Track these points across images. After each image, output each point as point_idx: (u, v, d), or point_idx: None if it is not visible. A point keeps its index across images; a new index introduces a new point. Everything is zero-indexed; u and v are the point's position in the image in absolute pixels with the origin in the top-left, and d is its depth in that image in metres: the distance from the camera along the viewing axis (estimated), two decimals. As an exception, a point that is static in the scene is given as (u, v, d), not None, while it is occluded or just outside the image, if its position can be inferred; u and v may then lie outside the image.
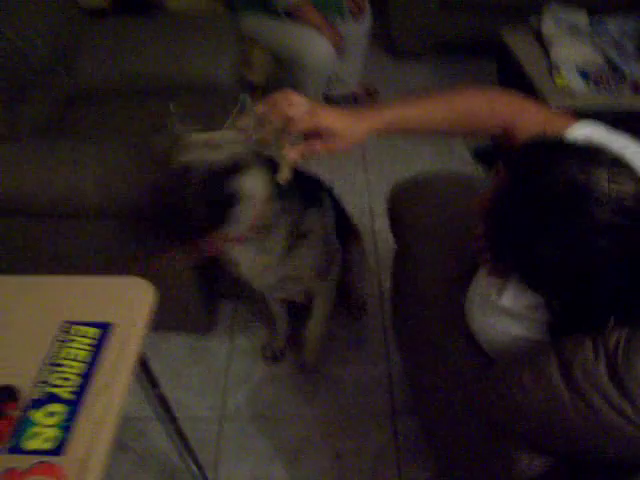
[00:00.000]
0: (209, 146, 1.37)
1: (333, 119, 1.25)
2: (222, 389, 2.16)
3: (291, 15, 2.96)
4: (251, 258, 1.68)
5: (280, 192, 1.53)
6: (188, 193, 1.34)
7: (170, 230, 1.80)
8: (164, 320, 2.20)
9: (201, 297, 2.18)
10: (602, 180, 0.92)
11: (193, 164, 1.35)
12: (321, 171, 1.96)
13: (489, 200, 1.08)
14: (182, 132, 1.42)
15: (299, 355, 2.24)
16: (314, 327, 2.09)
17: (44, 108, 2.40)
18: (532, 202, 0.98)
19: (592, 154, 0.97)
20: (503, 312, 1.17)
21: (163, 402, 1.49)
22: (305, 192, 1.73)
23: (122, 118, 2.44)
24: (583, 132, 1.16)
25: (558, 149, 1.02)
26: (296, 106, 1.26)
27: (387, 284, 2.24)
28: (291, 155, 1.29)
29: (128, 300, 1.19)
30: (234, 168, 1.36)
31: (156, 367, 1.45)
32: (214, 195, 1.35)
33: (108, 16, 3.03)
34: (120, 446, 1.98)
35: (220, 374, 2.21)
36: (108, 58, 2.66)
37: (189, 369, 2.22)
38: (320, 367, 2.21)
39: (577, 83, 2.62)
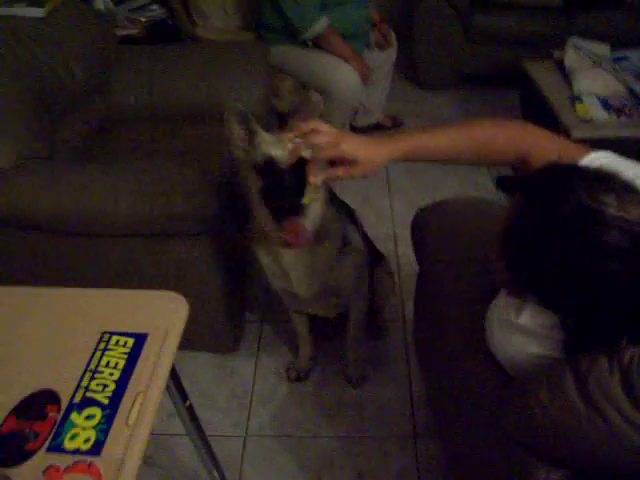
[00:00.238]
0: (280, 143, 1.49)
1: (355, 147, 1.32)
2: (247, 408, 2.20)
3: (319, 45, 3.04)
4: (304, 263, 1.76)
5: (331, 199, 1.64)
6: (270, 183, 1.49)
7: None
8: (191, 339, 2.24)
9: (228, 317, 2.23)
10: (610, 205, 0.97)
11: (272, 158, 1.48)
12: (347, 197, 2.01)
13: (506, 223, 1.13)
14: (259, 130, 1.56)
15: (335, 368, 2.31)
16: (350, 338, 2.19)
17: (80, 131, 2.51)
18: (545, 226, 1.03)
19: (602, 180, 1.02)
20: (521, 331, 1.21)
21: (192, 415, 1.54)
22: (343, 208, 1.85)
23: (154, 142, 2.53)
24: (596, 161, 1.21)
25: (569, 175, 1.07)
26: (321, 134, 1.33)
27: (409, 306, 2.28)
28: (316, 180, 1.36)
29: (162, 312, 1.25)
30: (303, 163, 1.44)
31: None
32: (291, 186, 1.46)
33: (141, 43, 3.12)
34: (146, 460, 2.03)
35: (245, 393, 2.25)
36: (141, 84, 2.76)
37: (214, 388, 2.27)
38: (367, 377, 2.29)
39: (599, 113, 2.66)
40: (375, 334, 2.44)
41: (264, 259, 1.83)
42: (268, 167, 1.49)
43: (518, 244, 1.11)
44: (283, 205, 1.48)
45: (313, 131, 1.33)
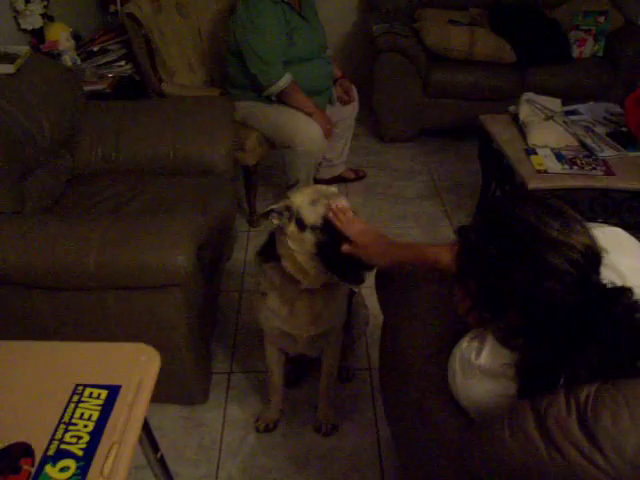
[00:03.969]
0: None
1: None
2: (215, 459, 2.19)
3: (282, 100, 3.13)
4: (317, 306, 1.92)
5: None
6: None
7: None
8: (159, 391, 2.25)
9: (196, 368, 2.24)
10: (553, 228, 1.09)
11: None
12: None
13: (458, 254, 1.25)
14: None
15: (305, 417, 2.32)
16: (325, 382, 2.24)
17: (49, 186, 2.53)
18: (494, 240, 1.16)
19: (553, 209, 1.13)
20: (481, 370, 1.26)
21: (163, 467, 1.54)
22: None
23: (121, 196, 2.56)
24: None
25: (524, 199, 1.21)
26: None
27: (374, 355, 2.32)
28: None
29: (135, 364, 1.27)
30: None
31: (151, 437, 1.51)
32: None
33: (108, 99, 3.16)
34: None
35: (213, 444, 2.24)
36: (108, 139, 2.81)
37: (183, 440, 2.26)
38: (338, 426, 2.31)
39: (553, 165, 2.77)
40: (344, 376, 2.49)
41: (275, 306, 1.93)
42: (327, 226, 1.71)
43: (470, 258, 1.22)
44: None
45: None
